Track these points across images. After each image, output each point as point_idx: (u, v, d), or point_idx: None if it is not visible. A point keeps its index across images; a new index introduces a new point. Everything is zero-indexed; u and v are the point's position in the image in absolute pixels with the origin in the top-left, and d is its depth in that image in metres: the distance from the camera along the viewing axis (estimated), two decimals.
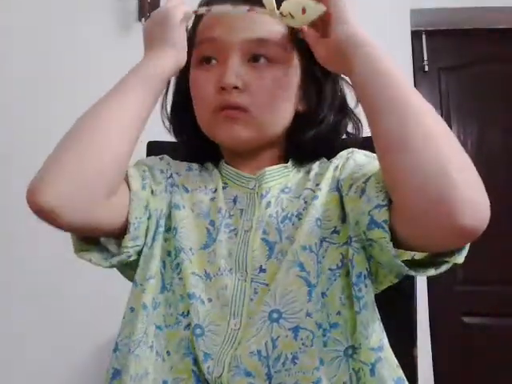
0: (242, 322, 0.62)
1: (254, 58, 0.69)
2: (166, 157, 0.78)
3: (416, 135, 0.51)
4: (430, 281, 1.84)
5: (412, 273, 0.56)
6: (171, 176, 0.73)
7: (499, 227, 1.97)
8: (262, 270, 0.64)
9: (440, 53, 2.10)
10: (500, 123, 2.06)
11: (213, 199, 0.71)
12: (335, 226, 0.65)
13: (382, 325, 0.62)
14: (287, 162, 0.75)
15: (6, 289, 1.72)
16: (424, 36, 2.11)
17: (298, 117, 0.74)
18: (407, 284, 0.86)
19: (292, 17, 0.65)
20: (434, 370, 1.76)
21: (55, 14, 1.90)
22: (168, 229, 0.69)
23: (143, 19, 1.89)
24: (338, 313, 0.62)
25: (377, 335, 0.60)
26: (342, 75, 0.74)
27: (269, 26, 0.69)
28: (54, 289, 1.70)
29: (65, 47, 1.88)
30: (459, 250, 0.56)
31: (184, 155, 0.80)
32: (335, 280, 0.63)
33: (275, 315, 0.60)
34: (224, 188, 0.73)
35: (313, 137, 0.73)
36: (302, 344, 0.59)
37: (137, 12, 1.91)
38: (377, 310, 0.62)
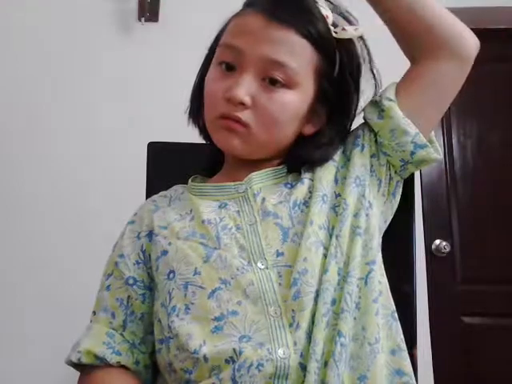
0: (280, 306, 0.63)
1: (270, 80, 0.69)
2: (138, 213, 0.79)
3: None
4: (430, 281, 1.85)
5: (437, 156, 0.75)
6: (148, 234, 0.74)
7: (499, 227, 1.99)
8: (279, 253, 0.67)
9: None
10: (500, 123, 2.06)
11: (192, 219, 0.73)
12: (334, 191, 0.73)
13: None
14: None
15: (9, 289, 1.72)
16: None
17: (303, 137, 0.76)
18: (407, 284, 0.87)
19: None
20: (433, 370, 1.76)
21: (55, 14, 1.90)
22: (167, 277, 0.69)
23: (143, 19, 1.89)
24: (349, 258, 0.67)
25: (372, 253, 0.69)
26: None
27: (296, 52, 0.70)
28: (57, 289, 1.70)
29: (65, 47, 1.89)
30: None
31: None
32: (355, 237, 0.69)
33: (316, 294, 0.64)
34: (202, 201, 0.74)
35: (314, 156, 0.75)
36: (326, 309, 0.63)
37: (137, 12, 1.91)
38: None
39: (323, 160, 0.75)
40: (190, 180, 0.80)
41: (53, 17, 1.90)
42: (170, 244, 0.71)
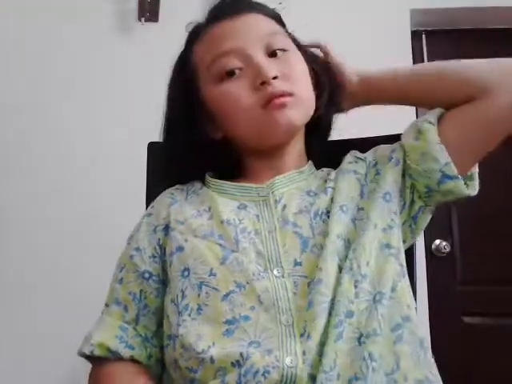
0: (293, 316, 0.62)
1: (272, 54, 0.74)
2: (155, 206, 0.78)
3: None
4: (430, 281, 1.85)
5: (469, 193, 0.73)
6: (165, 227, 0.74)
7: (499, 227, 1.98)
8: (297, 263, 0.66)
9: (440, 53, 2.10)
10: None
11: (211, 217, 0.72)
12: (357, 204, 0.72)
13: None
14: (306, 162, 0.80)
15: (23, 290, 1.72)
16: (424, 36, 2.11)
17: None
18: None
19: None
20: None
21: (55, 15, 1.90)
22: (181, 274, 0.69)
23: (143, 19, 1.90)
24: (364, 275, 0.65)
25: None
26: None
27: (268, 23, 0.77)
28: (65, 290, 1.71)
29: (65, 47, 1.89)
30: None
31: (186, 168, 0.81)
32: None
33: (331, 304, 0.62)
34: (222, 199, 0.74)
35: (327, 114, 0.80)
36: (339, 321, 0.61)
37: (137, 12, 1.91)
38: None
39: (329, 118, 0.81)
40: (207, 175, 0.80)
41: (53, 17, 1.90)
42: (186, 241, 0.70)
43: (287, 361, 0.58)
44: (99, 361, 0.69)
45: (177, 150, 0.80)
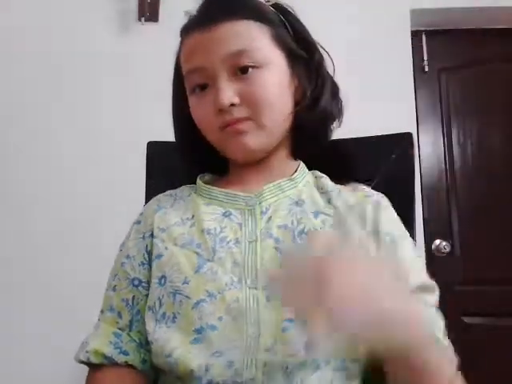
0: (260, 328, 0.62)
1: (241, 70, 0.71)
2: (143, 213, 0.79)
3: None
4: None
5: None
6: (151, 234, 0.74)
7: (499, 227, 1.99)
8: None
9: (440, 53, 2.10)
10: (500, 123, 2.06)
11: (193, 225, 0.73)
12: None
13: None
14: (297, 165, 0.78)
15: (9, 289, 1.72)
16: (424, 36, 2.11)
17: (297, 105, 0.76)
18: None
19: None
20: None
21: (55, 14, 1.90)
22: (159, 281, 0.70)
23: (143, 19, 1.90)
24: None
25: None
26: None
27: (246, 34, 0.71)
28: (61, 288, 1.71)
29: (65, 47, 1.89)
30: None
31: (189, 164, 0.84)
32: None
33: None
34: (207, 206, 0.74)
35: (313, 115, 0.75)
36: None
37: (137, 12, 1.91)
38: None
39: (316, 120, 0.75)
40: (198, 179, 0.80)
41: (53, 17, 1.90)
42: (166, 249, 0.71)
43: (246, 374, 0.59)
44: (96, 366, 0.69)
45: (176, 138, 0.83)
